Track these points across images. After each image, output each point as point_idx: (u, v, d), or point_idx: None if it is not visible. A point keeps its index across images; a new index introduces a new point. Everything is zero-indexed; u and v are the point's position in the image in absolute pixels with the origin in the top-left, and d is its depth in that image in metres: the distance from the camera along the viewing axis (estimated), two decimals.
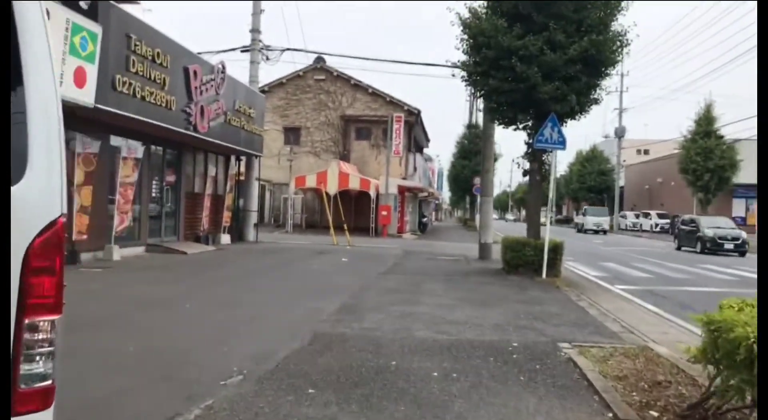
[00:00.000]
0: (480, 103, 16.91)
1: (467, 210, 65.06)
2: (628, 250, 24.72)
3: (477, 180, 41.94)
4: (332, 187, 26.48)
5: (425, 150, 48.83)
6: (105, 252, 12.33)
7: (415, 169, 35.37)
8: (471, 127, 48.75)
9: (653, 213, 49.79)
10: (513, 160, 13.56)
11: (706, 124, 37.09)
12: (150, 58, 12.27)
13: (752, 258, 20.27)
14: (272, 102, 33.57)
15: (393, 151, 28.97)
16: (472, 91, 15.23)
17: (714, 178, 36.02)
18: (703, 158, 36.04)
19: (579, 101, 11.64)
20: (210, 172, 17.69)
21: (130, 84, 11.56)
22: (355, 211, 30.64)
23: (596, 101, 12.22)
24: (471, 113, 50.28)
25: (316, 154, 33.20)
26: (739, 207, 42.04)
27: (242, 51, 20.90)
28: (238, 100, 17.49)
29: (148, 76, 12.21)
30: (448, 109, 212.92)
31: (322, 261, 14.46)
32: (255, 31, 20.55)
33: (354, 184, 27.63)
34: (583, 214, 48.77)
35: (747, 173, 31.81)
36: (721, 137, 36.86)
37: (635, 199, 60.39)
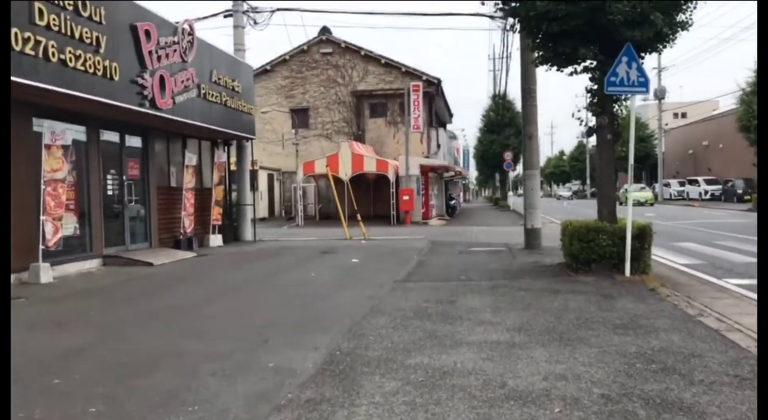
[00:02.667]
0: (518, 41, 13.42)
1: (497, 188, 61.46)
2: (693, 224, 21.04)
3: (507, 154, 38.49)
4: (345, 172, 23.24)
5: (448, 126, 45.19)
6: (30, 273, 9.27)
7: (438, 146, 31.89)
8: (498, 97, 44.99)
9: (701, 179, 45.65)
10: (573, 116, 10.09)
11: None
12: (71, 8, 9.08)
13: None
14: (276, 82, 30.48)
15: (412, 126, 25.51)
16: (511, 25, 11.75)
17: None
18: None
19: (665, 23, 8.16)
20: (189, 161, 14.52)
21: (38, 42, 8.39)
22: (374, 198, 27.45)
23: (686, 25, 8.68)
24: (496, 78, 46.60)
25: (328, 137, 29.97)
26: None
27: (225, 16, 17.68)
28: (216, 71, 14.26)
29: (69, 34, 9.01)
30: (470, 80, 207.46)
31: (323, 265, 11.24)
32: None
33: (370, 167, 24.33)
34: None
35: None
36: None
37: (678, 165, 56.17)
